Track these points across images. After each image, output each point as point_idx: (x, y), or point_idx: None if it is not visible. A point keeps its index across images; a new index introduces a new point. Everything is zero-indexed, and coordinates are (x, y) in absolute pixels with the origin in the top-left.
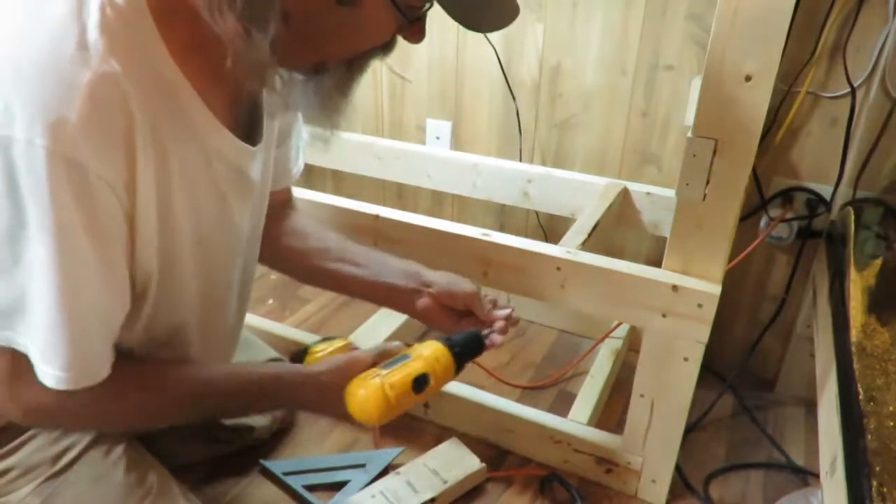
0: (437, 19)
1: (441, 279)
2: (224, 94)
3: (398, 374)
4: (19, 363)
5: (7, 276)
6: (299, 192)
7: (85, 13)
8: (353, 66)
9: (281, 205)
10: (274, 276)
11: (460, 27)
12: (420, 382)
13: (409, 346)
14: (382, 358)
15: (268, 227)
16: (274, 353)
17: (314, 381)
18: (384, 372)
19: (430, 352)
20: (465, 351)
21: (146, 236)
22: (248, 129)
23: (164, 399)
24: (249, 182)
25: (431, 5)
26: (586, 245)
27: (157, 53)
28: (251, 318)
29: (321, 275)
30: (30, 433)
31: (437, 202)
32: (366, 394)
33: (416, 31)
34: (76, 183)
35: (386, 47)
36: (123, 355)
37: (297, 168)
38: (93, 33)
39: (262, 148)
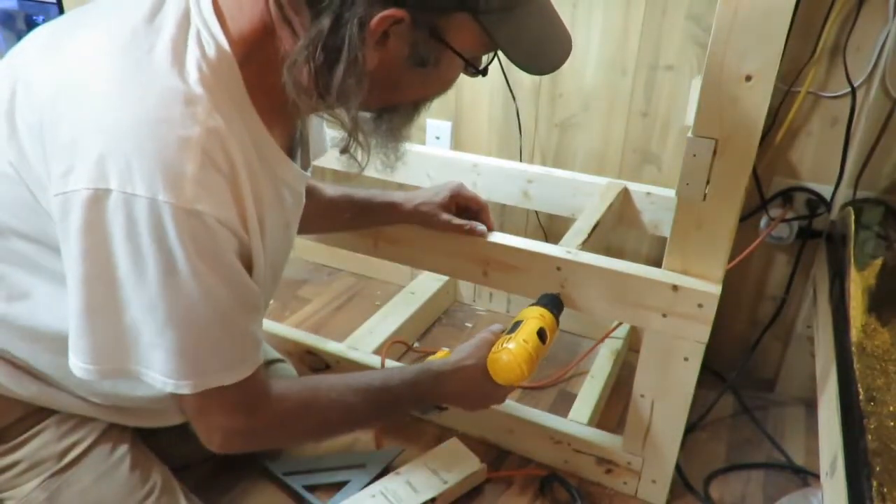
0: None
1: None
2: (284, 126)
3: (523, 334)
4: (201, 399)
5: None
6: None
7: (185, 70)
8: (419, 105)
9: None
10: None
11: None
12: (542, 335)
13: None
14: (497, 335)
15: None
16: (275, 354)
17: (461, 368)
18: (510, 337)
19: (534, 314)
20: (557, 304)
21: (259, 265)
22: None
23: (325, 407)
24: (302, 203)
25: (496, 56)
26: (586, 245)
27: (244, 102)
28: None
29: (367, 207)
30: (37, 428)
31: None
32: (509, 356)
33: (479, 75)
34: (197, 229)
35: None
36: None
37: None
38: (196, 89)
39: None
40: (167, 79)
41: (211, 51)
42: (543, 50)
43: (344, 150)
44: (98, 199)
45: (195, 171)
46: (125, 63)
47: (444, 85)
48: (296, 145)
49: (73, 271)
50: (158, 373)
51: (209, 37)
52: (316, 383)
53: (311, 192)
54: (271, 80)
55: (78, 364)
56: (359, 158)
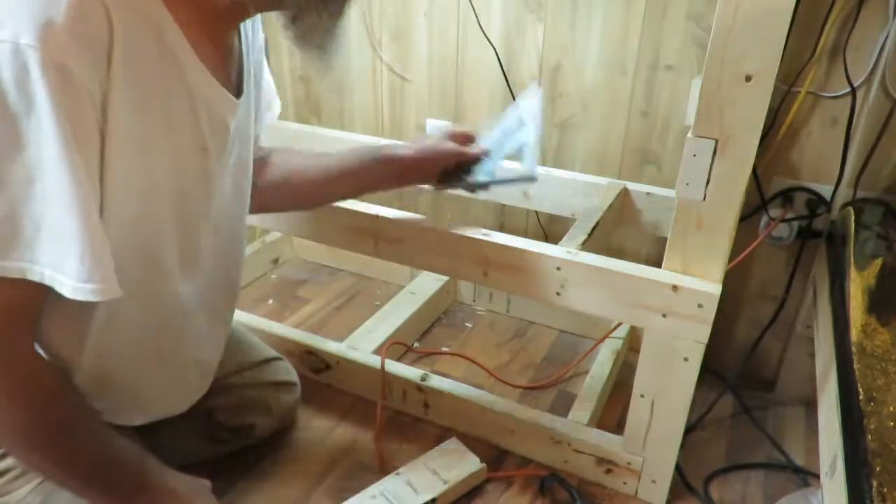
0: (438, 20)
1: (415, 149)
2: (216, 49)
3: None
4: (25, 306)
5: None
6: None
7: None
8: None
9: (264, 155)
10: (274, 275)
11: (461, 27)
12: None
13: None
14: None
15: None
16: (273, 353)
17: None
18: None
19: None
20: None
21: (121, 169)
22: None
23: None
24: (228, 135)
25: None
26: (586, 245)
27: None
28: (251, 319)
29: (329, 194)
30: None
31: (437, 202)
32: None
33: None
34: (63, 86)
35: None
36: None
37: (272, 115)
38: None
39: (244, 102)
40: None
41: None
42: None
43: (296, 39)
44: None
45: (65, 19)
46: None
47: None
48: (231, 73)
49: None
50: None
51: None
52: (81, 400)
53: (293, 177)
54: None
55: None
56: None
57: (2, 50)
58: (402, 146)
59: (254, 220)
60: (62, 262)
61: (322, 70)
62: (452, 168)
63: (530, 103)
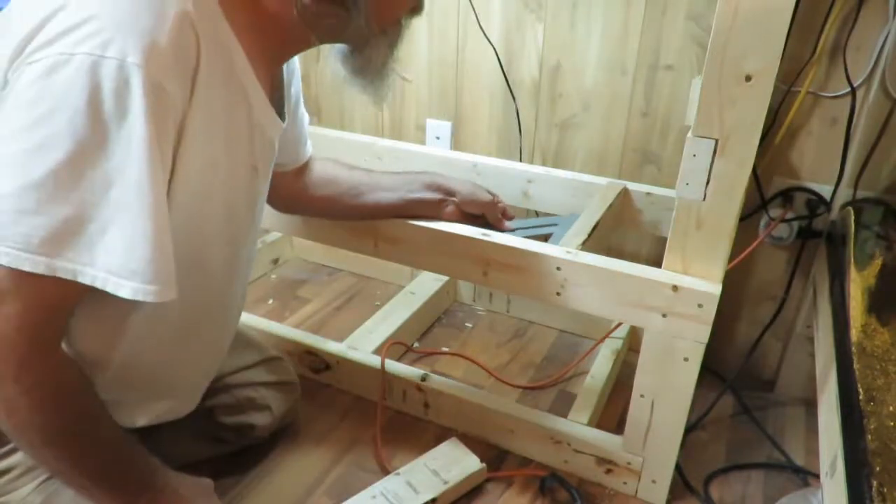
0: (438, 20)
1: (463, 188)
2: (269, 73)
3: None
4: (63, 306)
5: (75, 195)
6: None
7: None
8: (401, 25)
9: (305, 164)
10: (274, 275)
11: (461, 27)
12: None
13: None
14: None
15: (295, 183)
16: (273, 353)
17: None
18: None
19: None
20: None
21: (181, 187)
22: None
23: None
24: (274, 156)
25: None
26: (586, 245)
27: (218, 21)
28: (251, 319)
29: (358, 210)
30: None
31: None
32: None
33: None
34: (157, 103)
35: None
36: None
37: (308, 142)
38: None
39: (286, 126)
40: None
41: None
42: None
43: (352, 54)
44: (60, 64)
45: (167, 44)
46: None
47: None
48: (277, 98)
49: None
50: None
51: None
52: (98, 399)
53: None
54: (261, 21)
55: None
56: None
57: (108, 65)
58: (455, 181)
59: None
60: (126, 265)
61: (377, 98)
62: (474, 221)
63: (570, 219)
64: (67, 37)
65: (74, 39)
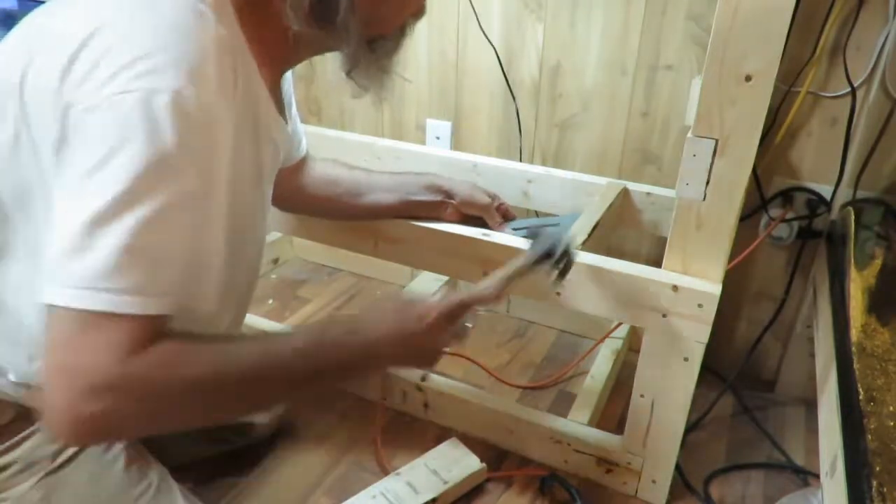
0: (438, 20)
1: (462, 190)
2: (274, 81)
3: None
4: (79, 324)
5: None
6: None
7: None
8: (403, 31)
9: (301, 161)
10: (274, 275)
11: (461, 27)
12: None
13: None
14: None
15: (292, 181)
16: None
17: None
18: None
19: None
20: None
21: (218, 209)
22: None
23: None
24: (279, 159)
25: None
26: (586, 245)
27: (240, 37)
28: (251, 319)
29: (357, 211)
30: (31, 429)
31: None
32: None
33: None
34: (211, 131)
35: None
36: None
37: (304, 140)
38: (200, 6)
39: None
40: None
41: None
42: None
43: (349, 72)
44: (117, 104)
45: (214, 72)
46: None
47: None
48: (281, 106)
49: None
50: (51, 280)
51: None
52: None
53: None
54: (265, 32)
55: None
56: (361, 82)
57: (162, 95)
58: (455, 183)
59: None
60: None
61: (377, 96)
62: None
63: (570, 219)
64: (122, 74)
65: (129, 76)
